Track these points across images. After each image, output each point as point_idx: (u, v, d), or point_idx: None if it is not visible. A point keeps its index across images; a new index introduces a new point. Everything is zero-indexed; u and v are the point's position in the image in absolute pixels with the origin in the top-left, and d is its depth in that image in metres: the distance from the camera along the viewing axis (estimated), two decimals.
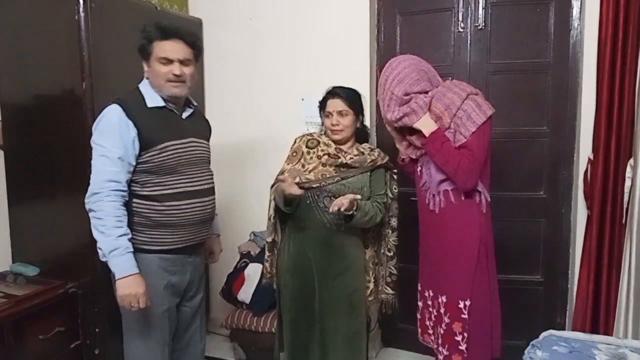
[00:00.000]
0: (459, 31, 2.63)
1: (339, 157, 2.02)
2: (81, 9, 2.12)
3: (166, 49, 1.75)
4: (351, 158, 2.03)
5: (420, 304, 2.07)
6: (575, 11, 2.46)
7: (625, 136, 2.26)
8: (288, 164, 2.07)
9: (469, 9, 2.60)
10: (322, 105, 2.11)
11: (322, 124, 2.15)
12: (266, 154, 2.95)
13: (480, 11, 2.57)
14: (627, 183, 2.22)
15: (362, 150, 2.09)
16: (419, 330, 2.09)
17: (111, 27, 2.29)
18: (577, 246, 2.47)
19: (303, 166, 2.03)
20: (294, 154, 2.10)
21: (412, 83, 1.82)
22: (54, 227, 2.36)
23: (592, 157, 2.36)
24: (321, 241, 2.04)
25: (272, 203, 2.05)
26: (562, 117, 2.54)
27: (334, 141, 2.08)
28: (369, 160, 2.05)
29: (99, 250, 1.72)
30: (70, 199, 2.32)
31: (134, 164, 1.75)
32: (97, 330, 2.29)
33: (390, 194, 2.13)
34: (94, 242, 2.22)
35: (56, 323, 2.19)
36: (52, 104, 2.29)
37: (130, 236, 1.74)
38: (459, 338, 1.86)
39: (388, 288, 2.22)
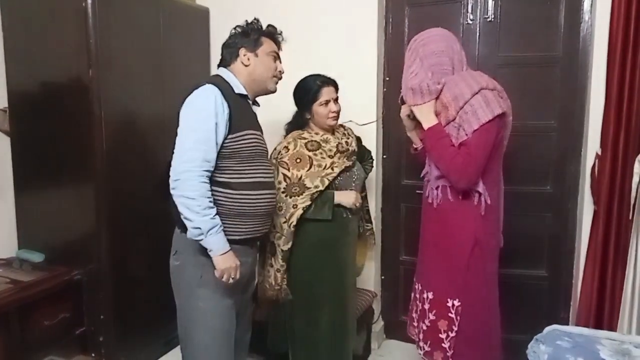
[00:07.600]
0: (468, 23, 2.60)
1: (348, 147, 2.15)
2: None
3: (275, 47, 1.89)
4: (348, 143, 2.18)
5: (412, 295, 2.05)
6: (587, 4, 2.42)
7: (634, 132, 2.23)
8: (299, 170, 2.04)
9: (479, 0, 2.57)
10: (315, 94, 2.11)
11: (309, 113, 2.14)
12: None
13: (490, 3, 2.55)
14: (635, 179, 2.19)
15: (343, 133, 2.23)
16: (408, 321, 2.06)
17: (118, 15, 2.28)
18: (583, 241, 2.45)
19: (320, 166, 2.06)
20: (298, 161, 2.06)
21: (435, 50, 1.78)
22: (59, 214, 2.37)
23: (600, 153, 2.33)
24: (343, 230, 2.15)
25: (298, 212, 2.01)
26: (570, 112, 2.51)
27: (328, 128, 2.14)
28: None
29: (193, 230, 1.66)
30: (76, 186, 2.33)
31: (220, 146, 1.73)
32: (101, 317, 2.31)
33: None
34: (99, 229, 2.27)
35: (61, 309, 2.21)
36: (58, 92, 2.30)
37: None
38: (443, 336, 1.81)
39: (368, 225, 2.47)
